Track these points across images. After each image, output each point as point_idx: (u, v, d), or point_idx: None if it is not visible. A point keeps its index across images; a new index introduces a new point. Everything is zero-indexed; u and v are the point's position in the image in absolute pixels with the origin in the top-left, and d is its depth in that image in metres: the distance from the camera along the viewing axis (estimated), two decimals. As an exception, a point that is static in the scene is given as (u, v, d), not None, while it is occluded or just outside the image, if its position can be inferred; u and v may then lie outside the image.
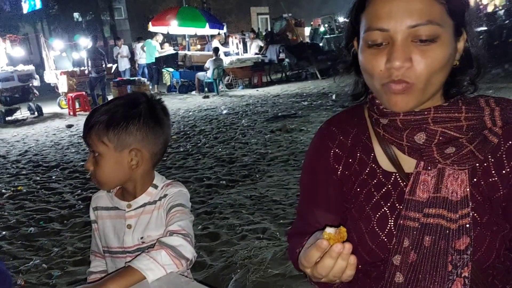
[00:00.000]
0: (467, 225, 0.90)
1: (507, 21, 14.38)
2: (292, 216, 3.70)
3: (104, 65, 11.22)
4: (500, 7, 15.10)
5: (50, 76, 11.77)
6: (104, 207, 1.45)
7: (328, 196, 1.04)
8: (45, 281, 2.98)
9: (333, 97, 10.03)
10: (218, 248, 3.25)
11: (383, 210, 0.97)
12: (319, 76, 14.36)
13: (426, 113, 0.91)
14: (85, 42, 13.36)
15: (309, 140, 6.29)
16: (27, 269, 3.14)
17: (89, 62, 10.90)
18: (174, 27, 14.27)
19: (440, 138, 0.91)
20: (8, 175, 5.80)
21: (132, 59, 14.98)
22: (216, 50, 13.14)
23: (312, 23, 26.24)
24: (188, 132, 7.66)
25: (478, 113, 0.91)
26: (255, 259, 2.97)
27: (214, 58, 12.69)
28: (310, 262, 0.80)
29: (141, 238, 1.36)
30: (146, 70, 14.22)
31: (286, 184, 4.54)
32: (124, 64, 14.08)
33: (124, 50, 13.94)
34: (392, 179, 0.98)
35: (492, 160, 0.93)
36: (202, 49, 17.28)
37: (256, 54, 15.84)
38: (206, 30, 14.90)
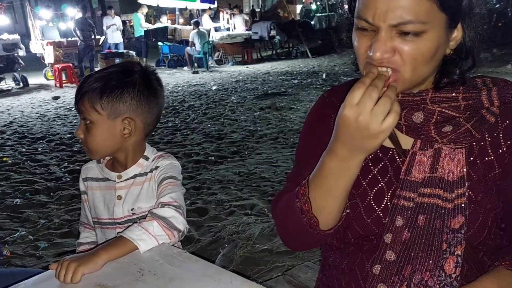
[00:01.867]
0: (463, 205, 0.91)
1: (497, 5, 14.41)
2: (281, 193, 3.71)
3: (93, 37, 11.02)
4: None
5: (36, 46, 11.52)
6: (94, 178, 1.44)
7: None
8: (31, 252, 2.97)
9: (323, 76, 10.03)
10: (206, 223, 3.26)
11: (380, 185, 0.97)
12: (309, 54, 14.31)
13: (424, 94, 0.91)
14: (72, 12, 13.02)
15: (298, 118, 6.32)
16: (13, 240, 3.13)
17: (78, 32, 10.69)
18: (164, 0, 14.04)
19: (438, 117, 0.91)
20: (-8, 146, 5.73)
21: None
22: (196, 23, 13.00)
23: (303, 0, 25.99)
24: (177, 107, 7.61)
25: (475, 93, 0.91)
26: (243, 235, 2.99)
27: (196, 30, 12.57)
28: (363, 85, 0.80)
29: (132, 209, 1.36)
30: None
31: (275, 162, 4.55)
32: (117, 37, 13.44)
33: (117, 21, 13.45)
34: (389, 154, 0.99)
35: (489, 139, 0.94)
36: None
37: (247, 30, 15.69)
38: (197, 4, 14.71)
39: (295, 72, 11.12)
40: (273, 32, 15.31)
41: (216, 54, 14.17)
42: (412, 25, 0.82)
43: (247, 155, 4.88)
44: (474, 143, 0.94)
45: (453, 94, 0.91)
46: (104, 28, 13.39)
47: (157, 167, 1.37)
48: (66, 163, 4.85)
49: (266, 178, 4.12)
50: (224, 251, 2.82)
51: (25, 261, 2.85)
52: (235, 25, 16.37)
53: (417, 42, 0.83)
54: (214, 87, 9.50)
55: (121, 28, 13.56)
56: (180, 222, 1.20)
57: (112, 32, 13.16)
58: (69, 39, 11.62)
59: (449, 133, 0.90)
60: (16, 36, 10.89)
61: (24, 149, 5.50)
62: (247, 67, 12.96)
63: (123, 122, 1.31)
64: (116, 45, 13.22)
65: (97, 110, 1.28)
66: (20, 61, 10.63)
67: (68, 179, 4.35)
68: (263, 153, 4.90)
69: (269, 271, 2.54)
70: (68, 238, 3.15)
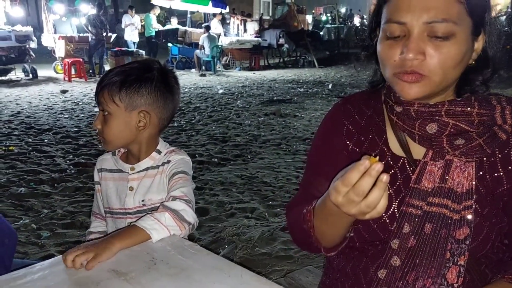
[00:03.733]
0: (469, 216, 0.93)
1: (506, 28, 14.48)
2: (281, 199, 3.75)
3: (104, 34, 11.11)
4: (503, 13, 15.20)
5: (48, 40, 11.59)
6: (108, 169, 1.48)
7: (335, 170, 1.01)
8: (34, 240, 3.00)
9: (330, 86, 10.08)
10: (207, 223, 3.29)
11: (388, 192, 1.00)
12: (316, 64, 14.38)
13: (440, 106, 0.94)
14: (86, 8, 13.08)
15: (302, 126, 6.36)
16: (16, 227, 3.15)
17: (90, 28, 10.79)
18: (177, 2, 14.12)
19: (451, 129, 0.94)
20: (0, 134, 5.78)
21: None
22: (208, 27, 13.10)
23: (313, 11, 26.13)
24: (183, 108, 7.65)
25: (489, 110, 0.95)
26: (243, 237, 3.02)
27: (207, 34, 12.66)
28: (348, 183, 0.78)
29: (142, 200, 1.40)
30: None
31: (277, 167, 4.58)
32: (134, 36, 13.42)
33: (136, 21, 13.32)
34: (400, 163, 1.01)
35: (500, 155, 0.97)
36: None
37: (256, 36, 15.78)
38: (209, 8, 14.78)
39: (301, 81, 11.18)
40: (281, 40, 15.40)
41: (224, 58, 14.24)
42: (445, 24, 0.86)
43: (250, 159, 4.92)
44: (485, 158, 0.97)
45: (468, 109, 0.94)
46: (123, 25, 13.42)
47: (169, 161, 1.41)
48: (71, 156, 4.89)
49: (268, 182, 4.15)
50: (223, 251, 2.85)
51: (27, 248, 2.88)
52: (247, 31, 16.49)
53: (447, 45, 0.87)
54: (220, 91, 9.56)
55: (139, 27, 13.63)
56: (190, 216, 1.25)
57: (131, 30, 13.25)
58: (81, 34, 11.69)
59: (461, 146, 0.94)
60: (29, 28, 10.96)
61: (30, 140, 5.55)
62: (254, 73, 13.02)
63: (139, 114, 1.36)
64: (134, 44, 13.30)
65: (116, 102, 1.34)
66: (31, 53, 10.70)
67: (73, 171, 4.39)
68: (265, 158, 4.94)
69: (267, 274, 2.57)
70: (70, 229, 3.19)
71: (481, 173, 0.97)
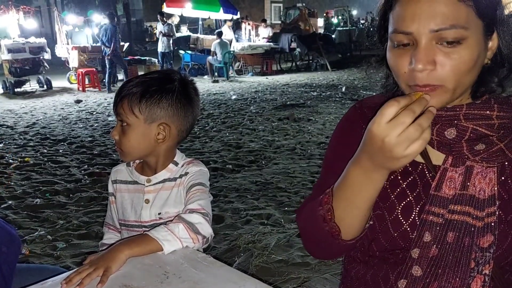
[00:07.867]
0: (492, 224, 0.90)
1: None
2: (297, 204, 3.71)
3: (117, 43, 11.22)
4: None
5: (61, 50, 11.74)
6: (123, 180, 1.46)
7: None
8: (49, 252, 3.01)
9: (343, 89, 10.03)
10: (222, 231, 3.26)
11: (408, 199, 0.96)
12: (329, 67, 14.32)
13: (458, 109, 0.91)
14: (98, 18, 13.21)
15: (316, 130, 6.32)
16: (32, 239, 3.17)
17: (103, 38, 10.91)
18: (188, 9, 14.18)
19: (471, 134, 0.90)
20: (15, 146, 5.83)
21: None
22: (219, 33, 13.13)
23: (324, 14, 26.07)
24: (196, 115, 7.65)
25: (510, 112, 0.91)
26: (258, 244, 2.99)
27: (219, 41, 12.68)
28: (387, 115, 0.76)
29: (159, 214, 1.37)
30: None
31: (292, 173, 4.55)
32: (168, 44, 12.78)
33: (166, 28, 12.72)
34: (419, 169, 0.98)
35: None
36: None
37: (268, 41, 15.78)
38: (220, 15, 14.81)
39: (314, 85, 11.14)
40: (293, 44, 15.38)
41: (236, 64, 14.26)
42: (454, 30, 0.82)
43: (264, 165, 4.89)
44: (506, 163, 0.93)
45: (488, 112, 0.90)
46: (157, 35, 13.20)
47: (186, 173, 1.38)
48: (86, 166, 4.92)
49: (283, 188, 4.12)
50: (239, 260, 2.82)
51: (43, 260, 2.89)
52: (259, 35, 16.51)
53: (459, 50, 0.83)
54: (233, 97, 9.56)
55: (174, 34, 13.20)
56: (206, 229, 1.22)
57: (161, 41, 12.72)
58: (94, 44, 11.82)
59: (481, 151, 0.90)
60: (42, 40, 11.11)
61: (45, 150, 5.60)
62: (267, 78, 13.01)
63: (158, 127, 1.34)
64: (165, 55, 12.73)
65: (135, 113, 1.31)
66: (45, 64, 10.85)
67: (88, 181, 4.41)
68: (280, 163, 4.90)
69: (284, 282, 2.53)
70: (86, 239, 3.19)
71: (503, 178, 0.93)
